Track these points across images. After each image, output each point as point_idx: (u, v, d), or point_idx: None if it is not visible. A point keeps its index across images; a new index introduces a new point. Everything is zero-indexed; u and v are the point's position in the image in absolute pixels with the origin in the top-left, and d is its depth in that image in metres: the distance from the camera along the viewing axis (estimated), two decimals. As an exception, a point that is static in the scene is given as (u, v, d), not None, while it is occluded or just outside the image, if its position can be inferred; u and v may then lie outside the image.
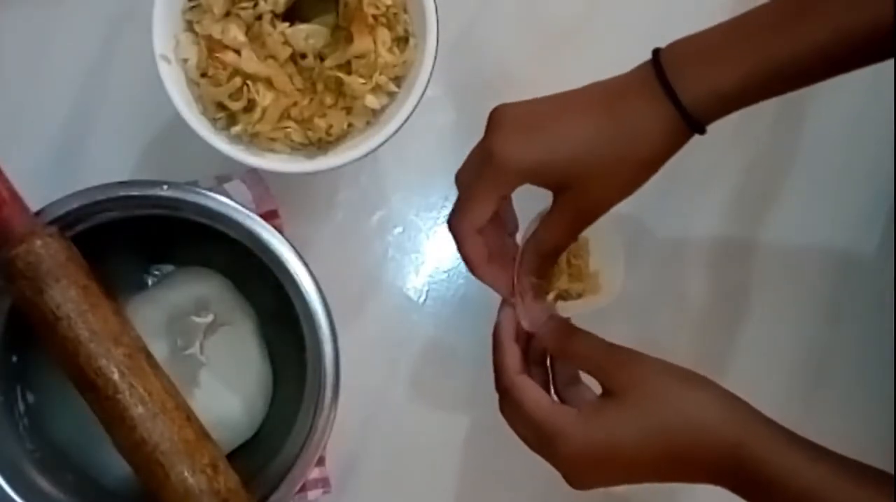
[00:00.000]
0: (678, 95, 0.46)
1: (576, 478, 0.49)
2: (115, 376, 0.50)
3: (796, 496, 0.45)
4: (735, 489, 0.47)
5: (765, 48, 0.46)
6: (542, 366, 0.53)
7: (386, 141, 0.53)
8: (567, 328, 0.51)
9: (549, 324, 0.52)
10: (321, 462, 0.60)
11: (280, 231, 0.54)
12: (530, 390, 0.49)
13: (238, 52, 0.53)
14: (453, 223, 0.51)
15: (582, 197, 0.49)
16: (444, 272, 0.65)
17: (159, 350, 0.55)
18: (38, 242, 0.50)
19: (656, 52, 0.48)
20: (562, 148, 0.48)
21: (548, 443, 0.48)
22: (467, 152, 0.65)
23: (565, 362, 0.52)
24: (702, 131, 0.48)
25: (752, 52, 0.46)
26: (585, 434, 0.47)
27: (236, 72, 0.53)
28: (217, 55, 0.53)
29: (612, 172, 0.48)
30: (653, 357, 0.49)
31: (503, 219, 0.54)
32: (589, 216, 0.50)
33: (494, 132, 0.49)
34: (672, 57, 0.47)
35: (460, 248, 0.52)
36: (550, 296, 0.53)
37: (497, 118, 0.50)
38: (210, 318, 0.57)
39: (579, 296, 0.54)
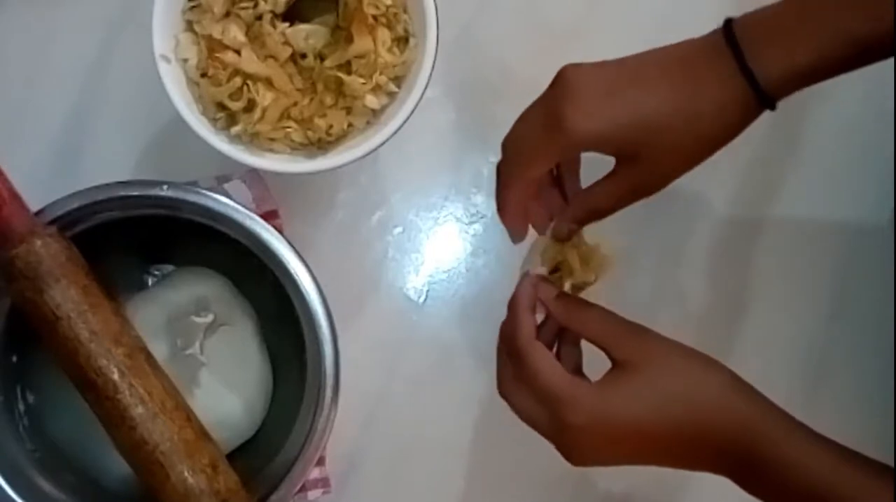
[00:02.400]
0: (753, 72, 0.46)
1: (577, 452, 0.48)
2: (115, 376, 0.50)
3: (804, 483, 0.44)
4: (740, 475, 0.46)
5: (840, 23, 0.45)
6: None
7: (386, 141, 0.53)
8: (578, 299, 0.51)
9: (561, 296, 0.51)
10: (321, 462, 0.60)
11: (280, 231, 0.54)
12: (545, 356, 0.49)
13: (238, 52, 0.53)
14: (504, 171, 0.50)
15: (647, 169, 0.48)
16: (444, 272, 0.65)
17: (159, 350, 0.55)
18: (38, 242, 0.50)
19: (728, 23, 0.47)
20: (635, 119, 0.47)
21: (556, 411, 0.47)
22: (467, 152, 0.66)
23: (572, 348, 0.52)
24: (773, 107, 0.47)
25: (827, 27, 0.45)
26: (600, 403, 0.46)
27: (236, 72, 0.53)
28: (217, 55, 0.53)
29: (683, 147, 0.47)
30: (666, 337, 0.48)
31: (562, 179, 0.53)
32: (650, 188, 0.49)
33: (565, 96, 0.47)
34: (745, 31, 0.46)
35: (501, 194, 0.51)
36: (566, 288, 0.53)
37: (567, 80, 0.48)
38: (210, 318, 0.57)
39: (592, 282, 0.53)
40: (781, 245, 0.65)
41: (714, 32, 0.47)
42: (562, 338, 0.53)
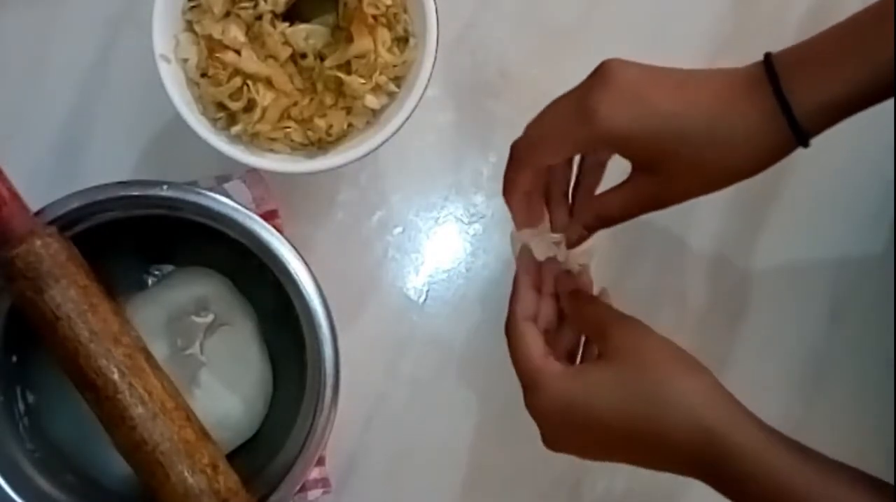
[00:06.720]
0: (789, 103, 0.45)
1: (549, 437, 0.49)
2: (115, 376, 0.50)
3: (774, 495, 0.44)
4: (714, 483, 0.46)
5: (876, 53, 0.44)
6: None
7: (386, 141, 0.53)
8: (589, 296, 0.52)
9: (574, 292, 0.52)
10: (321, 462, 0.60)
11: (280, 231, 0.54)
12: (527, 337, 0.50)
13: (238, 52, 0.53)
14: (519, 150, 0.50)
15: (664, 182, 0.48)
16: (444, 272, 0.65)
17: (159, 350, 0.55)
18: (38, 242, 0.50)
19: (768, 56, 0.47)
20: (664, 128, 0.46)
21: (527, 394, 0.49)
22: (467, 152, 0.66)
23: (569, 332, 0.53)
24: (806, 144, 0.46)
25: (864, 57, 0.44)
26: (562, 390, 0.48)
27: (236, 72, 0.53)
28: (217, 55, 0.53)
29: (704, 168, 0.47)
30: (659, 334, 0.48)
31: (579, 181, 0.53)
32: (662, 202, 0.49)
33: (603, 90, 0.47)
34: (783, 63, 0.46)
35: (510, 174, 0.51)
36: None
37: (608, 74, 0.47)
38: (210, 318, 0.57)
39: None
40: (782, 245, 0.65)
41: (757, 63, 0.47)
42: (562, 320, 0.54)
